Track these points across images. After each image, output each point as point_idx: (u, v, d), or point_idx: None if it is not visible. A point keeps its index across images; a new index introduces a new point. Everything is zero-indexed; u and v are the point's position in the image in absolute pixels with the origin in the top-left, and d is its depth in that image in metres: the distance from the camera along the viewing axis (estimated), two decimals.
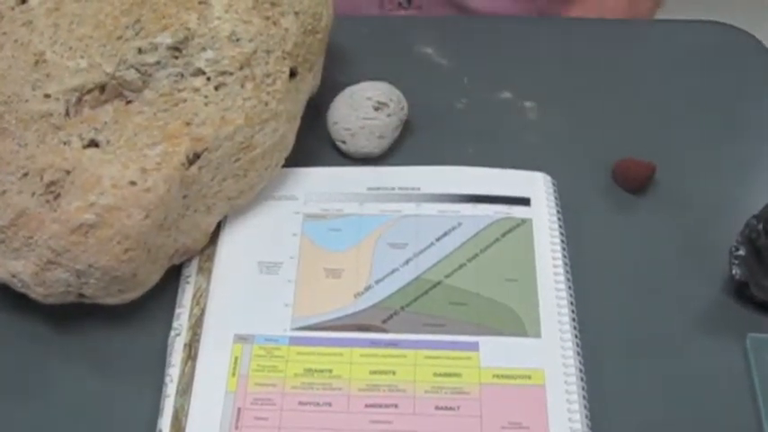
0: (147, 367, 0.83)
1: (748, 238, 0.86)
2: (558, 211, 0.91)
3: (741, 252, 0.86)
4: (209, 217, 0.88)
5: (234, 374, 0.81)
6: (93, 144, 0.84)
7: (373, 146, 0.96)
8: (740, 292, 0.87)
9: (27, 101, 0.86)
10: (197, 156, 0.84)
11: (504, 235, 0.89)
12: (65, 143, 0.84)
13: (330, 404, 0.80)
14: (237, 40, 0.87)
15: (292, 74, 0.91)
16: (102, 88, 0.86)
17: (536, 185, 0.93)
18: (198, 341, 0.83)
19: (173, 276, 0.87)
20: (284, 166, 0.92)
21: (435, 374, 0.81)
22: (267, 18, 0.89)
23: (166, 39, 0.86)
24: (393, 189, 0.93)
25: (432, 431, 0.78)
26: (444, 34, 1.09)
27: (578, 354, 0.82)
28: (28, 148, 0.84)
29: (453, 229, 0.90)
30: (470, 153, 0.97)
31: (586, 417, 0.79)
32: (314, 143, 0.97)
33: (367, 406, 0.80)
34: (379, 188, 0.93)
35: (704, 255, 0.90)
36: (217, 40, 0.86)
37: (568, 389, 0.80)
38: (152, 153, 0.83)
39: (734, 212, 0.91)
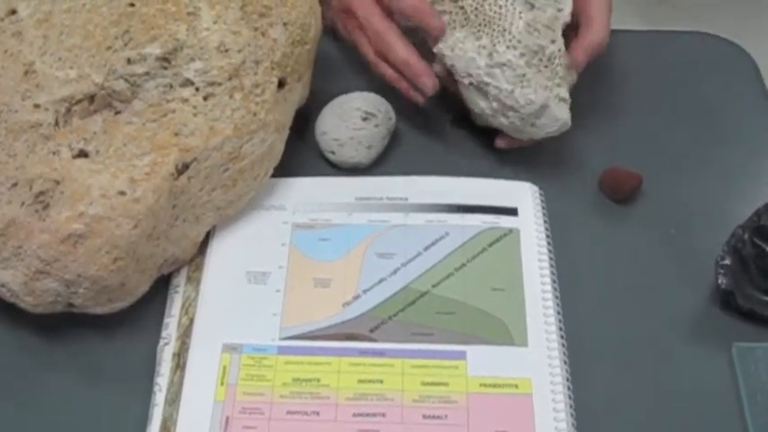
0: (136, 376, 0.83)
1: (734, 247, 0.87)
2: (545, 221, 0.92)
3: (727, 261, 0.87)
4: (198, 227, 0.88)
5: (222, 384, 0.82)
6: (83, 154, 0.84)
7: (362, 156, 0.96)
8: (726, 301, 0.87)
9: (16, 111, 0.86)
10: (186, 166, 0.85)
11: (491, 245, 0.90)
12: (54, 153, 0.84)
13: (318, 413, 0.80)
14: (226, 50, 0.87)
15: (281, 84, 0.91)
16: (92, 99, 0.86)
17: (523, 195, 0.93)
18: (186, 350, 0.83)
19: (161, 286, 0.88)
20: (273, 176, 0.92)
21: (423, 383, 0.82)
22: (256, 29, 0.89)
23: (155, 49, 0.86)
24: (381, 199, 0.93)
25: None
26: None
27: (565, 362, 0.83)
28: (17, 159, 0.84)
29: (441, 238, 0.90)
30: (458, 163, 0.98)
31: (573, 425, 0.79)
32: (303, 153, 0.97)
33: (355, 415, 0.80)
34: (367, 198, 0.93)
35: (690, 264, 0.90)
36: (205, 51, 0.87)
37: (555, 398, 0.80)
38: (141, 163, 0.83)
39: (720, 222, 0.91)
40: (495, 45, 0.91)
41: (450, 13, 0.94)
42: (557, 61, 0.92)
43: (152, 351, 0.84)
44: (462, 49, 0.93)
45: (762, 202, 0.88)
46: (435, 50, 0.95)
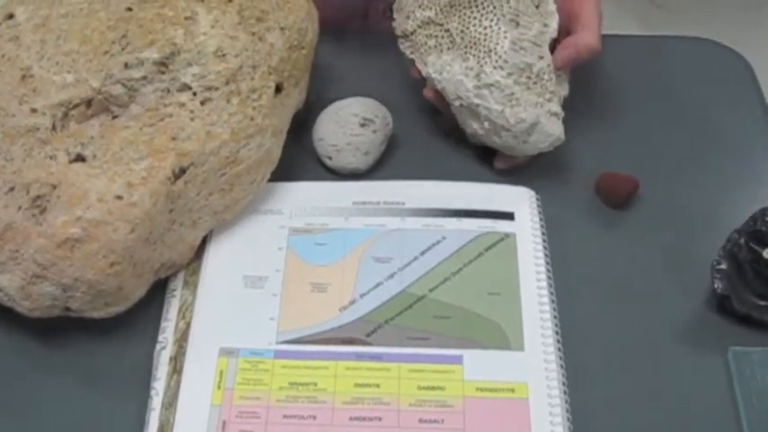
0: (133, 380, 0.83)
1: (730, 252, 0.87)
2: (541, 226, 0.92)
3: (723, 266, 0.87)
4: (195, 231, 0.88)
5: (219, 388, 0.82)
6: (80, 158, 0.84)
7: (359, 162, 0.96)
8: (722, 305, 0.87)
9: (14, 115, 0.86)
10: (183, 170, 0.85)
11: (487, 249, 0.90)
12: (51, 157, 0.84)
13: (314, 417, 0.80)
14: (223, 55, 0.87)
15: (278, 89, 0.91)
16: (89, 103, 0.86)
17: (520, 200, 0.93)
18: (183, 354, 0.83)
19: (158, 290, 0.88)
20: (270, 180, 0.92)
21: (419, 387, 0.82)
22: (253, 34, 0.90)
23: (153, 54, 0.86)
24: (378, 203, 0.93)
25: None
26: None
27: (561, 367, 0.83)
28: (14, 163, 0.84)
29: (437, 243, 0.90)
30: (455, 168, 0.98)
31: (569, 430, 0.80)
32: (300, 158, 0.97)
33: (351, 419, 0.80)
34: (364, 202, 0.94)
35: (687, 269, 0.91)
36: (203, 56, 0.87)
37: (551, 402, 0.81)
38: (138, 167, 0.83)
39: (716, 227, 0.91)
40: (482, 66, 0.91)
41: (437, 36, 0.94)
42: (546, 77, 0.92)
43: (149, 355, 0.84)
44: (450, 72, 0.93)
45: (758, 207, 0.88)
46: (425, 74, 0.96)
